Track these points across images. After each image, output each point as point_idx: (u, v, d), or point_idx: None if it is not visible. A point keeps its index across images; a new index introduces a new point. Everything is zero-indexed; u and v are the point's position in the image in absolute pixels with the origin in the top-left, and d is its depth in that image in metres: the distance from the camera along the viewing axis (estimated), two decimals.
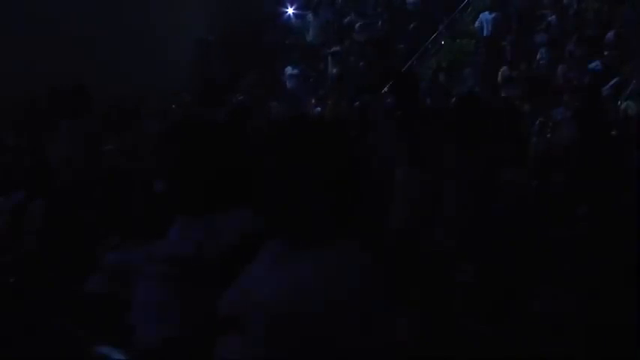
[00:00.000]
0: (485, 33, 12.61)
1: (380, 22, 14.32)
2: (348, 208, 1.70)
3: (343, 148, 1.71)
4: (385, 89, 11.98)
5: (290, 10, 15.33)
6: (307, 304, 1.57)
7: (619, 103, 9.98)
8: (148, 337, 2.04)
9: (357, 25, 14.59)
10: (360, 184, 1.73)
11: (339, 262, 1.63)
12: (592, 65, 10.93)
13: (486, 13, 12.82)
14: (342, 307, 1.55)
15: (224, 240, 1.97)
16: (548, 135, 8.98)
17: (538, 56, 11.81)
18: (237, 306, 1.69)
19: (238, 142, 2.27)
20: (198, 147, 2.12)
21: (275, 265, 1.69)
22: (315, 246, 1.66)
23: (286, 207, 1.67)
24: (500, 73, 11.29)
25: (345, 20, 15.16)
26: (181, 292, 2.00)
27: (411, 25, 13.77)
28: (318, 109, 11.42)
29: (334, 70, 12.86)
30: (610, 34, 11.43)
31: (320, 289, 1.58)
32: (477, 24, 12.96)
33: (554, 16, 12.66)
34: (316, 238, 1.67)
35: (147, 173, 2.35)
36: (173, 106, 10.62)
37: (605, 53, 11.04)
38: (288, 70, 13.72)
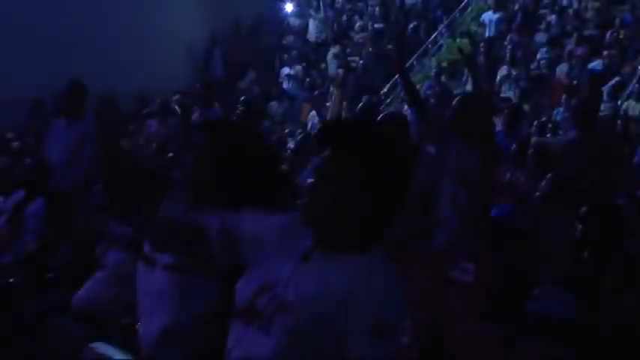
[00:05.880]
0: (488, 33, 12.59)
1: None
2: (389, 216, 1.69)
3: (398, 156, 1.69)
4: (386, 89, 12.09)
5: (288, 8, 15.36)
6: (333, 312, 1.56)
7: (619, 103, 9.99)
8: (149, 329, 2.04)
9: (357, 25, 14.61)
10: (406, 193, 1.71)
11: (373, 270, 1.61)
12: (592, 65, 10.93)
13: (490, 12, 12.81)
14: (364, 322, 1.54)
15: (237, 238, 1.97)
16: (548, 135, 8.99)
17: (538, 56, 11.81)
18: (258, 299, 1.67)
19: (261, 141, 2.27)
20: (231, 140, 2.12)
21: (305, 264, 1.67)
22: (351, 251, 1.64)
23: (333, 209, 1.64)
24: (499, 73, 11.28)
25: (345, 19, 15.18)
26: (189, 285, 2.00)
27: (411, 25, 13.78)
28: (315, 110, 11.44)
29: (336, 70, 12.86)
30: (610, 34, 11.43)
31: (352, 296, 1.56)
32: (480, 23, 12.95)
33: (554, 16, 12.66)
34: (355, 243, 1.65)
35: (148, 173, 2.35)
36: (175, 106, 10.63)
37: (605, 53, 11.04)
38: (285, 70, 13.72)
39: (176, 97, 11.38)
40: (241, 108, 6.58)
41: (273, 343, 1.59)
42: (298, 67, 13.77)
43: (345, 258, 1.63)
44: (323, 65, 13.78)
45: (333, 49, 13.62)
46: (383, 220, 1.67)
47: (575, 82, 10.78)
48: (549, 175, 4.53)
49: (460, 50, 4.95)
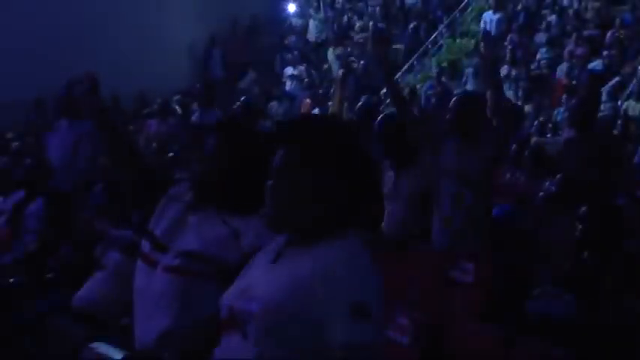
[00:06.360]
0: None
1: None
2: (355, 206, 1.70)
3: (359, 146, 1.71)
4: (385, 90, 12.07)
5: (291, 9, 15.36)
6: (305, 303, 1.57)
7: (619, 103, 9.99)
8: (147, 330, 2.03)
9: (357, 25, 14.60)
10: (371, 183, 1.73)
11: (343, 257, 1.62)
12: (592, 65, 10.93)
13: (490, 12, 12.79)
14: (340, 306, 1.55)
15: (245, 242, 1.97)
16: (549, 135, 8.99)
17: (538, 56, 11.81)
18: (234, 305, 1.68)
19: (263, 141, 2.27)
20: (245, 140, 2.13)
21: (274, 264, 1.69)
22: (316, 243, 1.66)
23: (295, 203, 1.67)
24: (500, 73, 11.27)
25: (345, 19, 15.18)
26: (190, 287, 2.00)
27: (411, 25, 13.78)
28: (317, 109, 11.44)
29: (337, 71, 12.86)
30: (610, 34, 11.43)
31: (321, 284, 1.57)
32: (481, 24, 12.93)
33: (554, 16, 12.66)
34: (320, 235, 1.67)
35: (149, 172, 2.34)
36: (175, 106, 10.64)
37: (605, 53, 11.04)
38: (289, 70, 13.71)
39: (176, 97, 11.38)
40: (239, 106, 6.57)
41: (252, 345, 1.60)
42: (301, 68, 13.76)
43: (313, 250, 1.64)
44: (325, 66, 13.77)
45: (336, 50, 13.61)
46: (339, 212, 1.68)
47: (575, 82, 10.78)
48: (558, 176, 4.53)
49: (482, 55, 4.88)
